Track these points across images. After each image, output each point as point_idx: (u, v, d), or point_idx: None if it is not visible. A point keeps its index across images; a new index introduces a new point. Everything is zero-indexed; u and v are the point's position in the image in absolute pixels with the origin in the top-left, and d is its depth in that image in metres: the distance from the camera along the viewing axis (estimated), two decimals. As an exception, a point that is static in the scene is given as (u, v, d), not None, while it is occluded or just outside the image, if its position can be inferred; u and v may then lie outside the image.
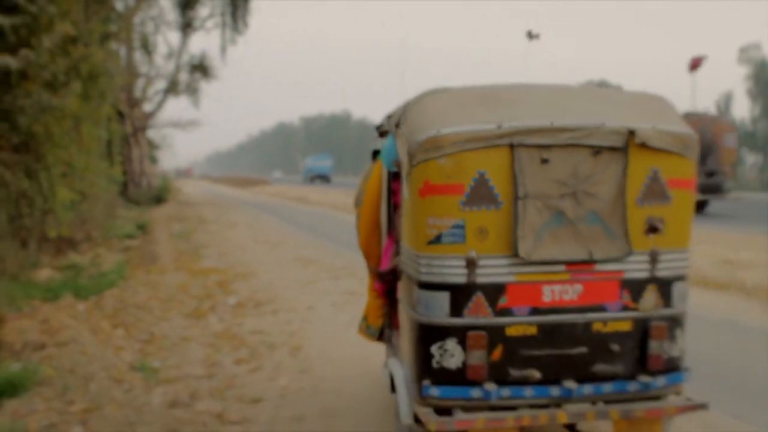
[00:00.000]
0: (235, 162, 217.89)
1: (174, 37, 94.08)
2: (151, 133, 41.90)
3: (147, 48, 36.52)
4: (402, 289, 4.48)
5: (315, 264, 13.85)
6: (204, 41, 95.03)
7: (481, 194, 3.89)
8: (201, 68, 38.05)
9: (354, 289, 10.99)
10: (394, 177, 4.85)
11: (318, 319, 9.06)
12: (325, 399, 5.92)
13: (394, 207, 4.91)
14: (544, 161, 3.94)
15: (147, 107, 37.97)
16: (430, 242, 3.94)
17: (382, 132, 5.29)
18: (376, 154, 5.60)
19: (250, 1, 38.06)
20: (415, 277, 4.08)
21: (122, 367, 6.48)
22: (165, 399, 5.68)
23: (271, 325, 8.66)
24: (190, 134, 65.23)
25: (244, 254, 15.87)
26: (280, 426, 5.31)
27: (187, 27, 37.43)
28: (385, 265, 4.96)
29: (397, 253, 4.64)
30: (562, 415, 3.97)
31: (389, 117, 4.86)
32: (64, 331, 7.42)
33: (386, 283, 4.99)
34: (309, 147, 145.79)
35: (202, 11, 37.99)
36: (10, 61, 10.42)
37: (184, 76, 38.39)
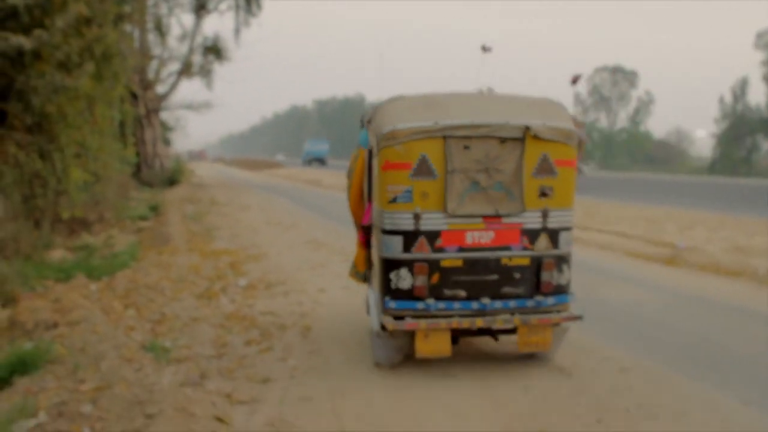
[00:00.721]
0: (249, 144, 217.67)
1: (188, 18, 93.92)
2: (165, 115, 41.95)
3: (160, 30, 36.43)
4: (374, 237, 6.38)
5: (326, 247, 13.87)
6: (218, 23, 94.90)
7: (423, 169, 5.76)
8: (214, 50, 37.98)
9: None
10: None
11: (329, 301, 9.08)
12: (334, 380, 5.95)
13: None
14: (466, 147, 5.80)
15: (160, 89, 37.94)
16: (390, 202, 5.80)
17: (363, 125, 6.83)
18: None
19: (264, -16, 38.00)
20: (380, 226, 5.97)
21: (133, 346, 6.51)
22: (175, 378, 5.71)
23: (281, 307, 8.69)
24: (204, 116, 65.28)
25: (256, 236, 15.91)
26: (289, 406, 5.33)
27: (200, 9, 37.35)
28: (366, 221, 6.69)
29: None
30: (480, 321, 5.85)
31: (364, 116, 6.79)
32: (76, 311, 7.47)
33: (367, 234, 6.74)
34: (322, 130, 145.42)
35: (216, -7, 37.92)
36: (24, 42, 10.46)
37: (197, 58, 38.33)
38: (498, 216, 5.85)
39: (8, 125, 11.37)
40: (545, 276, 5.96)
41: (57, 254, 11.52)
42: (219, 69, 39.08)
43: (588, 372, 6.16)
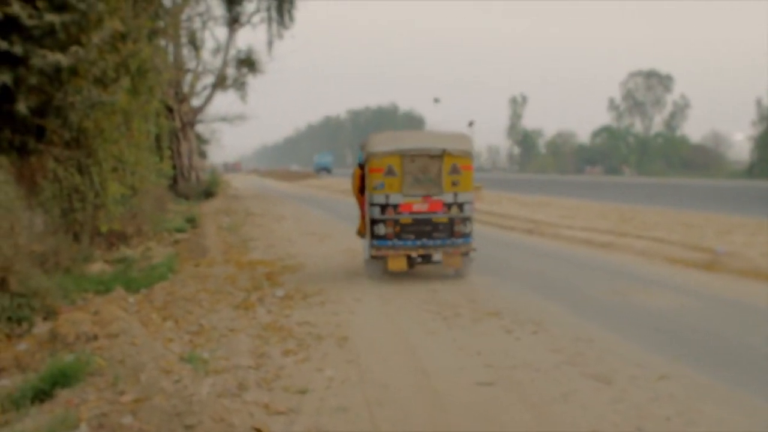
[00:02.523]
0: (283, 156, 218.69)
1: (221, 32, 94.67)
2: (200, 128, 42.27)
3: (195, 44, 36.81)
4: (366, 209, 11.17)
5: (362, 256, 13.87)
6: (251, 36, 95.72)
7: (390, 172, 10.63)
8: (248, 63, 38.27)
9: (401, 282, 11.01)
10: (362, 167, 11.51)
11: (365, 310, 9.09)
12: (370, 390, 5.94)
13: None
14: (413, 161, 10.69)
15: (195, 102, 38.28)
16: (373, 188, 10.70)
17: (361, 147, 11.69)
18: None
19: (295, -4, 38.22)
20: (369, 202, 10.84)
21: (171, 358, 6.55)
22: (213, 389, 5.73)
23: (318, 317, 8.72)
24: (239, 128, 66.04)
25: (291, 247, 15.98)
26: (325, 416, 5.33)
27: (233, 22, 37.70)
28: (364, 206, 11.45)
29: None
30: (420, 251, 10.74)
31: (361, 143, 11.90)
32: (116, 323, 7.53)
33: (362, 209, 11.58)
34: (356, 140, 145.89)
35: (249, 6, 38.21)
36: (61, 58, 10.60)
37: (231, 71, 38.63)
38: (429, 195, 10.84)
39: (47, 141, 11.53)
40: (456, 228, 10.90)
41: (96, 267, 11.66)
42: (253, 81, 39.42)
43: (627, 379, 6.09)
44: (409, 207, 10.74)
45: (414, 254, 10.91)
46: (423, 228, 10.76)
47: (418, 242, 10.78)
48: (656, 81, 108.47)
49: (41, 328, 7.85)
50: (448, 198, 10.80)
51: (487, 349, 7.15)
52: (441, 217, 10.77)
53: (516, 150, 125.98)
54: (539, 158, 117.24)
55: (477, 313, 8.71)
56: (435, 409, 5.50)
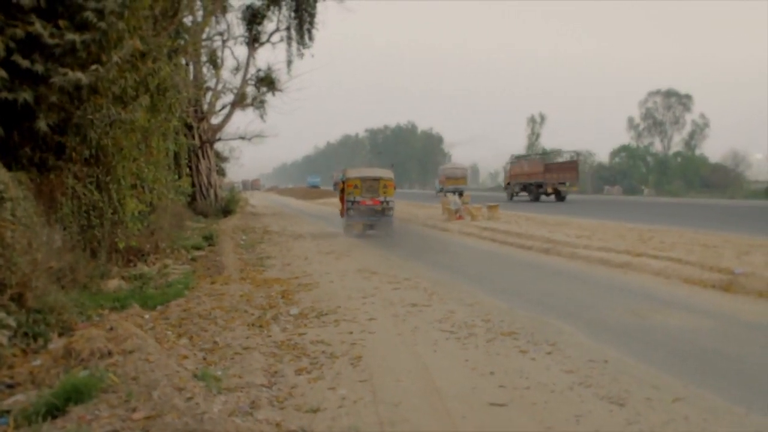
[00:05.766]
0: (303, 174, 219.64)
1: (241, 51, 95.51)
2: (219, 146, 42.48)
3: (214, 62, 37.12)
4: (345, 203, 24.37)
5: (378, 275, 13.88)
6: (270, 55, 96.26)
7: (356, 186, 23.84)
8: (267, 81, 38.55)
9: (417, 300, 10.98)
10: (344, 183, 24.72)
11: (379, 330, 9.07)
12: (383, 409, 5.92)
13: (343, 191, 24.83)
14: (365, 181, 24.02)
15: (214, 120, 38.52)
16: (348, 193, 23.96)
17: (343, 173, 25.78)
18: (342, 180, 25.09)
19: (315, 16, 38.51)
20: (347, 199, 24.13)
21: (185, 375, 6.55)
22: (225, 407, 5.73)
23: (332, 336, 8.70)
24: (258, 146, 65.93)
25: (307, 265, 16.00)
26: (337, 436, 5.32)
27: (253, 41, 38.00)
28: (343, 201, 24.48)
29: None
30: (368, 222, 24.36)
31: (342, 171, 27.34)
32: (130, 340, 7.55)
33: (343, 204, 24.59)
34: (375, 159, 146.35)
35: (269, 26, 38.54)
36: (81, 77, 10.72)
37: (250, 90, 38.92)
38: (374, 197, 23.64)
39: (66, 158, 11.62)
40: (385, 212, 23.81)
41: (113, 283, 11.71)
42: (272, 100, 39.58)
43: (641, 401, 6.04)
44: (365, 202, 23.25)
45: (365, 223, 23.55)
46: (370, 211, 23.31)
47: (368, 218, 23.42)
48: (675, 100, 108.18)
49: (56, 343, 7.88)
50: (382, 198, 23.30)
51: (501, 369, 7.12)
52: (378, 207, 23.30)
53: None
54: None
55: (491, 333, 8.68)
56: (447, 429, 5.47)
